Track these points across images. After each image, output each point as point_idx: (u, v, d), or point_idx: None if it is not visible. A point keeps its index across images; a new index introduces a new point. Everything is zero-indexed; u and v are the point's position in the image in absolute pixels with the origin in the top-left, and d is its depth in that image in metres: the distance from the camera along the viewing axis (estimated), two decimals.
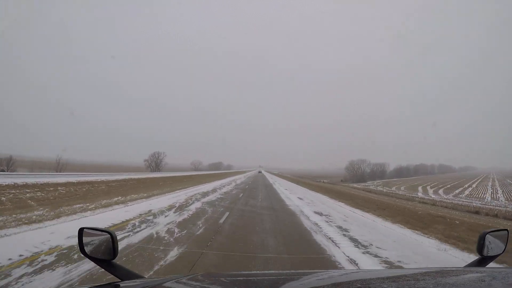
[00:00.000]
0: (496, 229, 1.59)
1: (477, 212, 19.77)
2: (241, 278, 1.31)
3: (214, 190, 20.06)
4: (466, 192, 61.76)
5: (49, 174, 22.90)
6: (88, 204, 10.61)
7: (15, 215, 7.65)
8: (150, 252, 5.11)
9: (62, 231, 6.16)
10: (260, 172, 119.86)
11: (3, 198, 9.69)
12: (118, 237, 4.94)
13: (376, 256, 5.64)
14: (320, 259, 5.31)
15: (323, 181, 75.75)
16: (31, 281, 3.67)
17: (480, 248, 1.45)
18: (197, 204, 12.12)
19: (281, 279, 1.26)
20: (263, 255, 5.28)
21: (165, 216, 8.91)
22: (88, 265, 4.20)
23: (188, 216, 9.18)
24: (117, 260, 1.34)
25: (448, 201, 39.24)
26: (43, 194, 11.57)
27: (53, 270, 4.09)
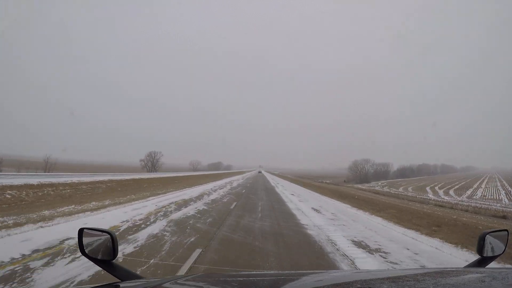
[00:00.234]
0: (496, 229, 1.57)
1: (504, 217, 17.16)
2: (241, 279, 1.26)
3: (200, 197, 15.30)
4: (478, 193, 58.63)
5: (23, 175, 19.42)
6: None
7: None
8: None
9: None
10: (260, 172, 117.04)
11: None
12: None
13: None
14: None
15: (326, 182, 72.88)
16: None
17: (480, 248, 1.43)
18: (155, 228, 7.24)
19: (281, 279, 1.24)
20: None
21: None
22: None
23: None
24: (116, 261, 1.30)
25: (465, 203, 36.34)
26: None
27: None
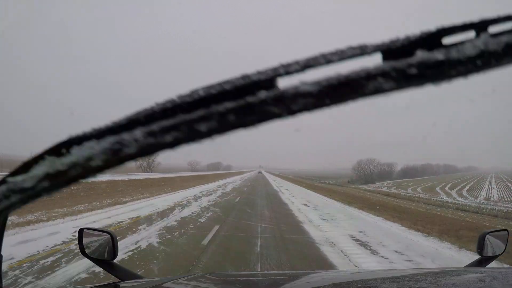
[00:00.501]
0: (496, 229, 1.57)
1: None
2: (241, 279, 1.30)
3: (163, 214, 9.69)
4: (494, 194, 54.70)
5: None
6: None
7: None
8: None
9: None
10: (260, 172, 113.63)
11: None
12: None
13: None
14: None
15: (328, 183, 69.20)
16: None
17: (480, 248, 1.42)
18: None
19: (280, 279, 1.26)
20: None
21: None
22: None
23: None
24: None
25: (487, 206, 32.68)
26: None
27: None
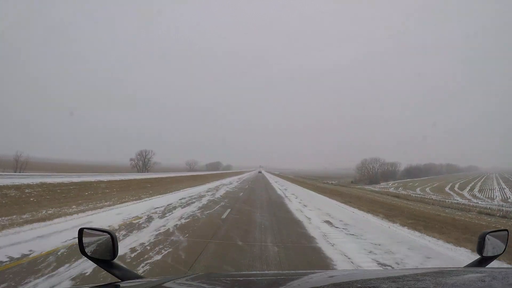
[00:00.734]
0: (496, 229, 1.53)
1: None
2: (241, 278, 1.25)
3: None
4: (509, 195, 50.58)
5: None
6: None
7: None
8: None
9: None
10: (260, 172, 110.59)
11: None
12: None
13: None
14: None
15: (331, 183, 64.91)
16: None
17: (480, 248, 1.39)
18: None
19: (281, 279, 1.21)
20: None
21: None
22: None
23: None
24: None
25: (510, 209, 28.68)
26: None
27: None
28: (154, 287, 0.97)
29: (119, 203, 11.53)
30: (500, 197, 45.70)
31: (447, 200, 37.12)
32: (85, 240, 1.28)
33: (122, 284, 1.07)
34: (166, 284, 1.02)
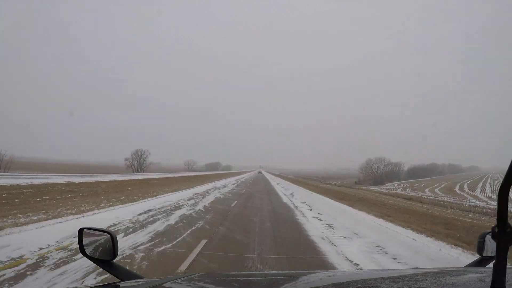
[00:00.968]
0: None
1: None
2: (241, 278, 1.23)
3: None
4: None
5: None
6: None
7: None
8: None
9: None
10: (260, 172, 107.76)
11: None
12: None
13: None
14: None
15: (334, 184, 61.50)
16: None
17: (480, 248, 1.35)
18: None
19: (280, 279, 1.20)
20: None
21: None
22: None
23: None
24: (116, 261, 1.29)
25: None
26: None
27: None
28: (154, 287, 0.96)
29: (65, 216, 7.82)
30: None
31: (463, 203, 33.74)
32: (85, 240, 1.27)
33: (122, 284, 1.05)
34: (166, 284, 0.99)
